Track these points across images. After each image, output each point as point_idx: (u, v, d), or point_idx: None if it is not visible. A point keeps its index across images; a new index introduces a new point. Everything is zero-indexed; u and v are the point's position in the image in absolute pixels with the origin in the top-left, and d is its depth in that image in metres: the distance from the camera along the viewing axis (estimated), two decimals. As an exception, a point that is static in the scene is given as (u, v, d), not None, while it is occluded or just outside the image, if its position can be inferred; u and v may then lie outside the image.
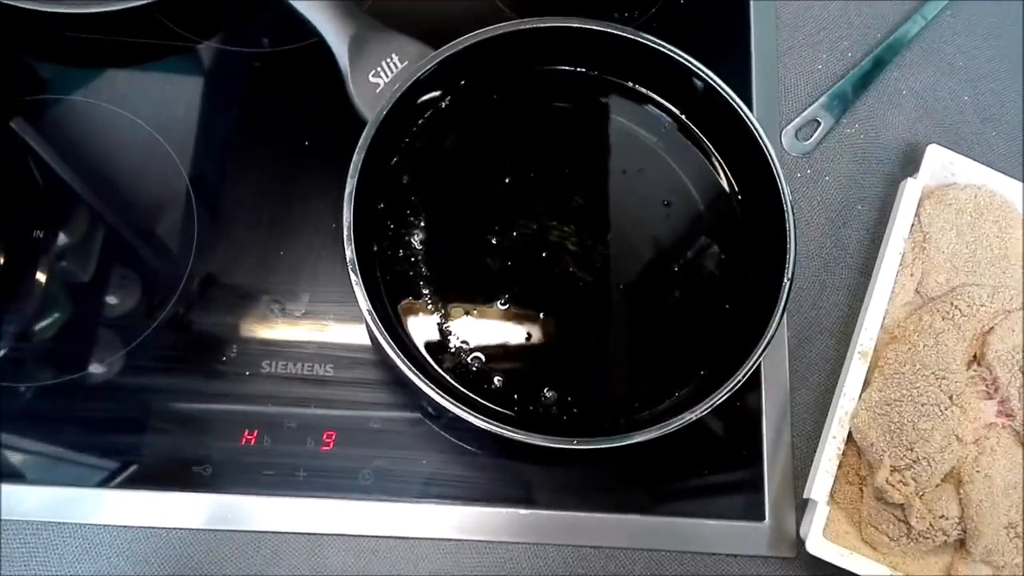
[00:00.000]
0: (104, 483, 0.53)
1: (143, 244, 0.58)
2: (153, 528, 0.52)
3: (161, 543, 0.52)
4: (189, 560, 0.52)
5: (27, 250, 0.57)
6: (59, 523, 0.52)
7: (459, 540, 0.54)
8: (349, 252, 0.50)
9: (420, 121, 0.58)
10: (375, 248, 0.55)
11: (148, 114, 0.60)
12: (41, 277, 0.56)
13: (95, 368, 0.55)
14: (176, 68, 0.62)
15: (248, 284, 0.57)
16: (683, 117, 0.60)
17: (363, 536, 0.53)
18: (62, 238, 0.57)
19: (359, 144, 0.52)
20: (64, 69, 0.62)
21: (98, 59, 0.62)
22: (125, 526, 0.52)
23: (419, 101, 0.57)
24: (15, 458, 0.53)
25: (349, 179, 0.52)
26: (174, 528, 0.53)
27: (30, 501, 0.52)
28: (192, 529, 0.53)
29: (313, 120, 0.61)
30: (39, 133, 0.60)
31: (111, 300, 0.56)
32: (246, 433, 0.54)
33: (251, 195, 0.59)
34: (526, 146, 0.60)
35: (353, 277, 0.50)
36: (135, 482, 0.53)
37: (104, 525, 0.52)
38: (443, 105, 0.59)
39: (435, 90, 0.58)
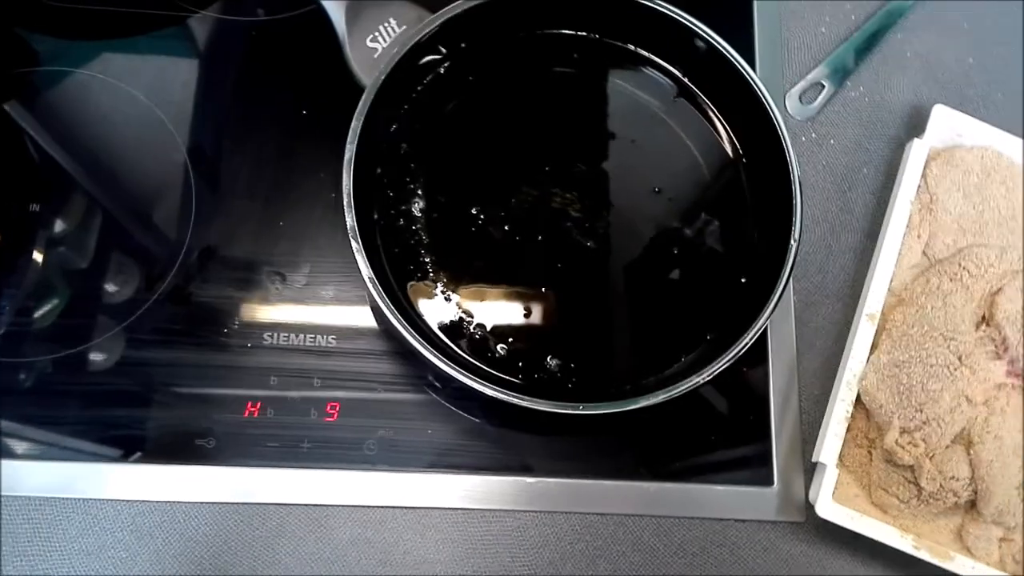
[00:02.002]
0: (107, 458, 0.52)
1: (141, 217, 0.57)
2: (157, 502, 0.52)
3: (165, 517, 0.52)
4: (194, 533, 0.52)
5: (23, 225, 0.56)
6: (62, 499, 0.52)
7: (466, 509, 0.53)
8: (349, 219, 0.50)
9: (419, 87, 0.57)
10: (375, 216, 0.55)
11: (144, 86, 0.59)
12: (38, 252, 0.56)
13: (95, 343, 0.54)
14: (172, 39, 0.61)
15: (248, 256, 0.57)
16: (686, 81, 0.59)
17: (369, 507, 0.53)
18: (59, 212, 0.57)
19: (357, 110, 0.52)
20: (57, 41, 0.61)
21: (92, 30, 0.61)
22: (128, 500, 0.52)
23: (418, 65, 0.56)
24: (17, 435, 0.53)
25: (348, 145, 0.51)
26: (178, 502, 0.52)
27: (33, 477, 0.52)
28: (196, 502, 0.52)
29: (311, 89, 0.60)
30: (33, 106, 0.59)
31: (109, 274, 0.56)
32: (249, 405, 0.53)
33: (249, 166, 0.58)
34: (527, 112, 0.59)
35: (354, 244, 0.49)
36: (138, 456, 0.52)
37: (107, 500, 0.52)
38: (442, 70, 0.58)
39: (433, 54, 0.57)
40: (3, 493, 0.52)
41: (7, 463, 0.52)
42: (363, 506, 0.53)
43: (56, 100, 0.59)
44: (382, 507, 0.53)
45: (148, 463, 0.52)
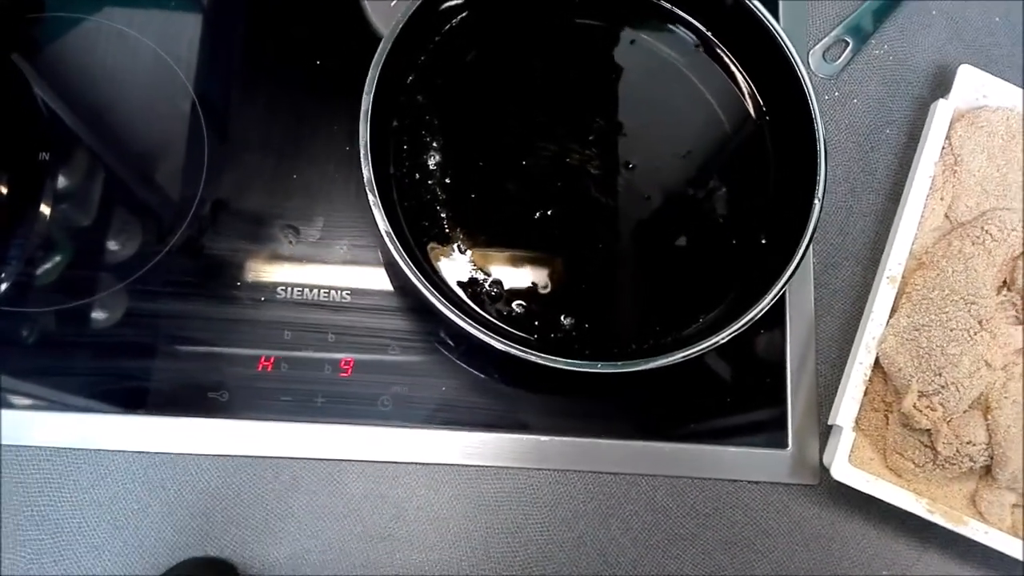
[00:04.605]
0: (119, 409, 0.52)
1: (152, 167, 0.56)
2: (169, 454, 0.52)
3: (178, 469, 0.52)
4: (207, 485, 0.52)
5: (33, 174, 0.55)
6: (73, 449, 0.52)
7: (479, 466, 0.53)
8: (366, 172, 0.49)
9: (437, 38, 0.56)
10: (391, 170, 0.54)
11: (154, 34, 0.58)
12: (48, 202, 0.55)
13: (106, 293, 0.53)
14: (181, -16, 0.60)
15: (261, 209, 0.56)
16: (710, 35, 0.58)
17: (383, 462, 0.53)
18: (69, 161, 0.55)
19: (374, 60, 0.50)
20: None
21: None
22: (140, 452, 0.52)
23: (436, 13, 0.55)
24: (27, 385, 0.52)
25: (365, 96, 0.50)
26: (191, 454, 0.52)
27: (44, 427, 0.51)
28: (209, 455, 0.52)
29: (325, 38, 0.59)
30: (40, 55, 0.57)
31: (121, 225, 0.55)
32: (263, 359, 0.53)
33: (262, 117, 0.57)
34: (546, 65, 0.58)
35: (371, 198, 0.49)
36: (150, 408, 0.52)
37: (119, 451, 0.52)
38: (460, 20, 0.56)
39: (452, 1, 0.55)
40: (8, 443, 0.51)
41: (17, 413, 0.51)
42: (377, 461, 0.53)
43: (64, 48, 0.57)
44: (395, 463, 0.53)
45: (160, 415, 0.52)
